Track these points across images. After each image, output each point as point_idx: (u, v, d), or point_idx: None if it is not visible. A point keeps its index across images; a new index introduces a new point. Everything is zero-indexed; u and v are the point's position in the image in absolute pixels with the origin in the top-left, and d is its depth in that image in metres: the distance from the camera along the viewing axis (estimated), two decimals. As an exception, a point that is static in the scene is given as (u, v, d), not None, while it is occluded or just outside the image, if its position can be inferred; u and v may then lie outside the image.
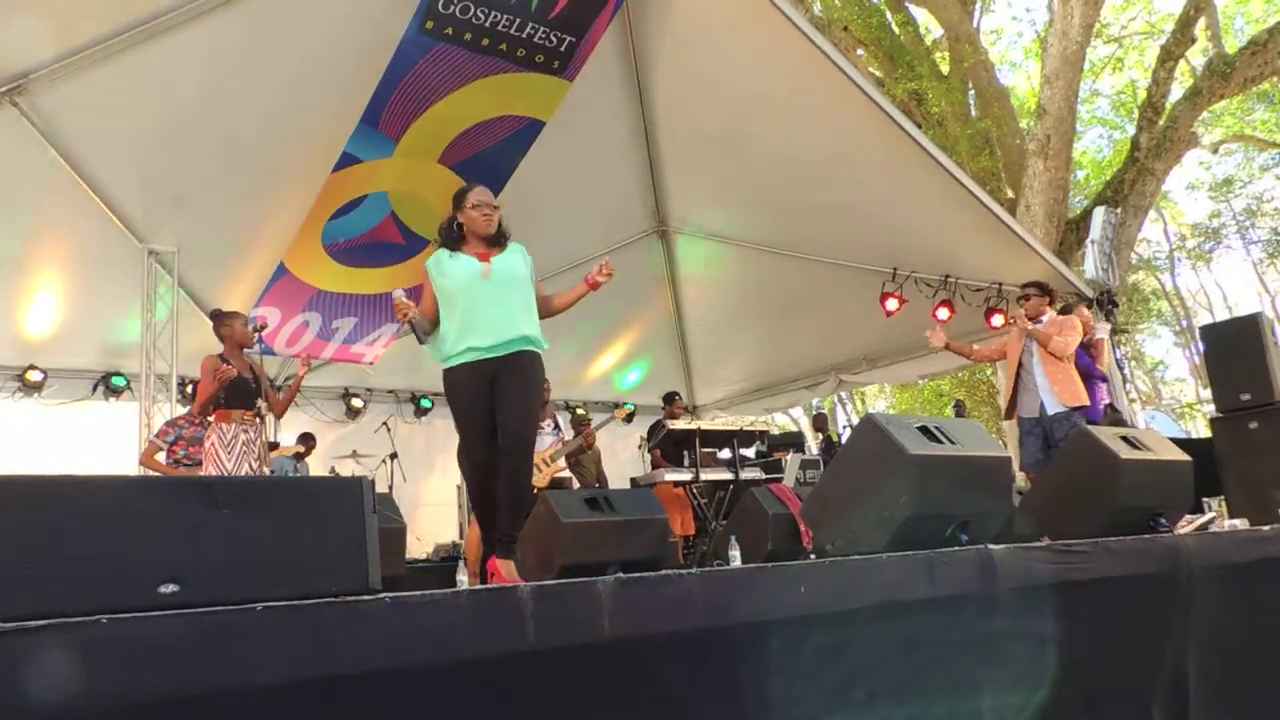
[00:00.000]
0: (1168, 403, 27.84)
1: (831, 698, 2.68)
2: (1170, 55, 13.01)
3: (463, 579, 3.43)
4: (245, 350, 5.52)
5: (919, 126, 8.99)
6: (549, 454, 6.84)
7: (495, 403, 3.61)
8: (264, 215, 7.09)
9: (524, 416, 3.64)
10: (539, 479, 6.69)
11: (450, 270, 3.69)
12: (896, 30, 14.83)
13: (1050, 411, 5.97)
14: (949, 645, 2.93)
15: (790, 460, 8.29)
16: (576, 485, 8.18)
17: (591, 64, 6.61)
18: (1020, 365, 6.20)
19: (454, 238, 3.79)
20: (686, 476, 7.05)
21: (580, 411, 10.48)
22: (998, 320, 8.05)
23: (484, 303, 3.63)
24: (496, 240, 3.81)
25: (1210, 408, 6.93)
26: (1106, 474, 3.88)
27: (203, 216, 6.95)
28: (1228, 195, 23.30)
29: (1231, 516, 5.47)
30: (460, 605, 2.13)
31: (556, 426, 7.11)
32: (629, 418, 10.22)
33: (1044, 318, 6.29)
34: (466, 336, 3.60)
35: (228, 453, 5.18)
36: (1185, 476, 4.28)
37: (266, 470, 5.58)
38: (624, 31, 6.96)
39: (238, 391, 5.28)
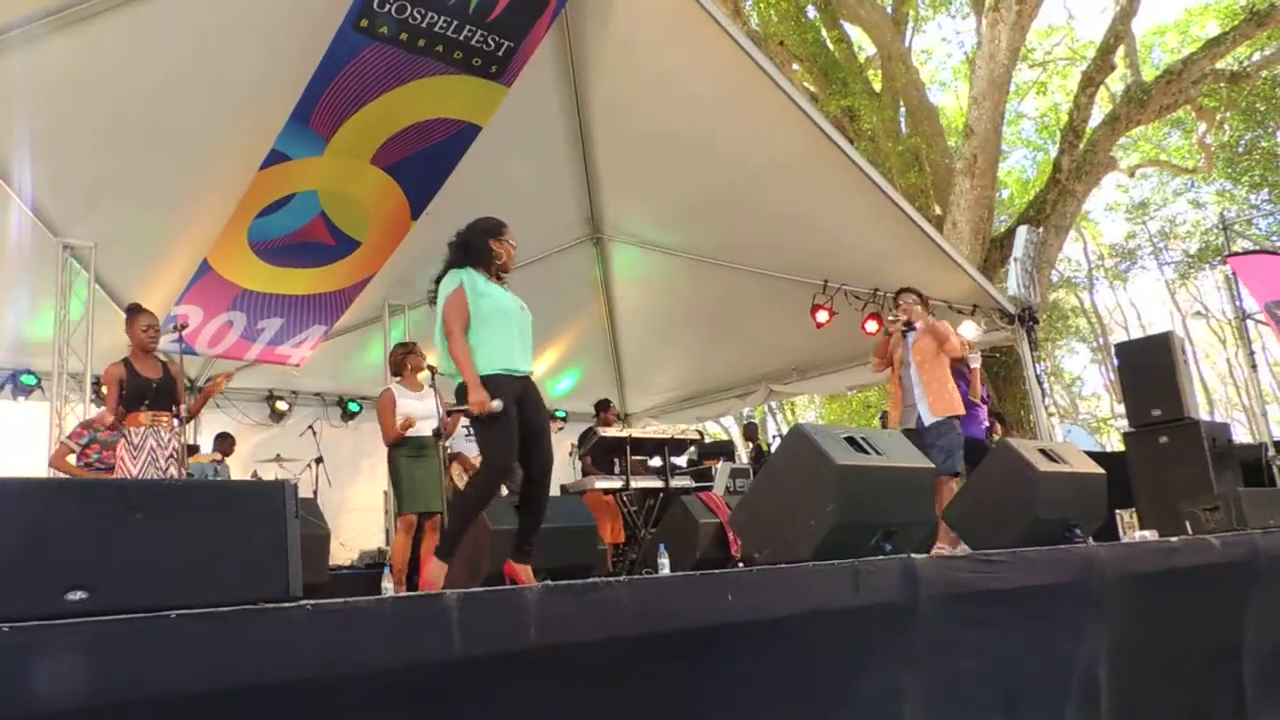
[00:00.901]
0: (1084, 417, 28.77)
1: (759, 705, 2.70)
2: (1091, 81, 13.49)
3: (388, 586, 3.38)
4: (165, 350, 5.37)
5: (851, 142, 9.17)
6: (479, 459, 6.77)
7: (524, 425, 3.78)
8: (188, 211, 6.89)
9: (550, 442, 3.98)
10: (467, 485, 6.62)
11: (488, 293, 3.84)
12: (831, 47, 15.10)
13: (926, 421, 5.63)
14: (873, 653, 2.97)
15: (720, 469, 8.34)
16: (505, 492, 8.12)
17: (529, 70, 6.58)
18: (899, 375, 5.85)
19: (486, 262, 3.92)
20: (617, 484, 7.04)
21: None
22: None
23: (518, 334, 3.87)
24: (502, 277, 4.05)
25: (1124, 422, 7.17)
26: (1025, 485, 3.99)
27: (123, 211, 6.72)
28: (1143, 218, 24.21)
29: (1142, 528, 5.68)
30: (384, 613, 2.09)
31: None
32: (559, 427, 10.21)
33: (917, 325, 5.92)
34: (505, 360, 3.77)
35: (134, 458, 5.03)
36: (1099, 489, 4.42)
37: (184, 474, 5.41)
38: (562, 39, 6.96)
39: (138, 394, 5.12)
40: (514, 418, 3.69)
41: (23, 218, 6.48)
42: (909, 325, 5.88)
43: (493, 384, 3.67)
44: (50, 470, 6.11)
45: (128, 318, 5.36)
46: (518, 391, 3.74)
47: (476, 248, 3.92)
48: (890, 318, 5.97)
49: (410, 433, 5.60)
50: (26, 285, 6.95)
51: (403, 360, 5.99)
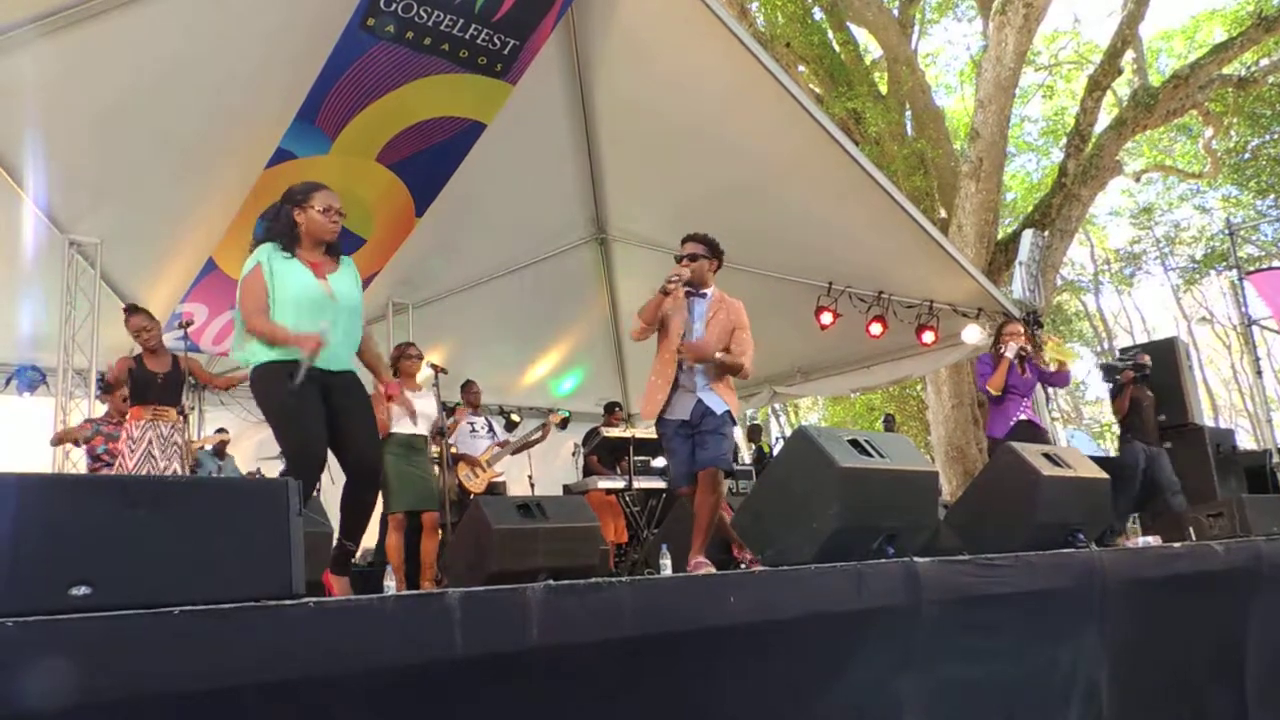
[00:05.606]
0: (1087, 422, 28.71)
1: (759, 707, 2.70)
2: (1098, 85, 13.46)
3: (390, 584, 3.39)
4: (171, 348, 5.41)
5: (857, 144, 9.15)
6: (485, 457, 6.78)
7: (339, 419, 3.35)
8: (194, 209, 6.90)
9: (377, 450, 3.60)
10: (476, 484, 6.63)
11: (282, 274, 3.29)
12: (837, 49, 15.09)
13: (718, 410, 4.19)
14: (874, 655, 2.97)
15: (723, 470, 8.32)
16: (511, 492, 8.13)
17: (534, 68, 6.59)
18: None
19: (289, 237, 3.34)
20: (619, 484, 7.05)
21: (515, 418, 10.39)
22: (928, 337, 8.22)
23: (335, 324, 3.34)
24: (331, 249, 3.46)
25: (1127, 427, 7.12)
26: (1028, 489, 3.98)
27: (129, 208, 6.74)
28: (1149, 223, 24.16)
29: (1145, 534, 5.67)
30: (387, 611, 2.10)
31: (491, 430, 7.06)
32: (563, 424, 10.19)
33: (708, 292, 4.64)
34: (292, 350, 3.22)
35: (132, 451, 5.06)
36: (1102, 494, 4.41)
37: (190, 470, 5.44)
38: (568, 38, 6.96)
39: (141, 388, 5.15)
40: (311, 407, 3.19)
41: (30, 215, 6.50)
42: (700, 290, 4.58)
43: (275, 372, 3.16)
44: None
45: (125, 317, 5.40)
46: (322, 384, 3.25)
47: (283, 225, 3.34)
48: (673, 276, 4.51)
49: (398, 430, 5.62)
50: (33, 281, 6.97)
51: (397, 360, 6.02)
